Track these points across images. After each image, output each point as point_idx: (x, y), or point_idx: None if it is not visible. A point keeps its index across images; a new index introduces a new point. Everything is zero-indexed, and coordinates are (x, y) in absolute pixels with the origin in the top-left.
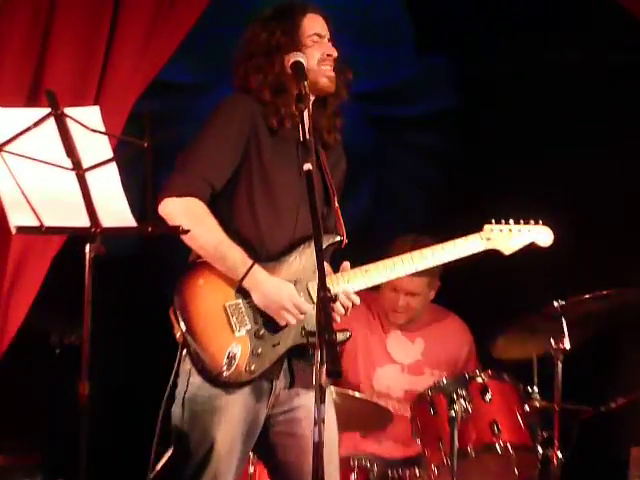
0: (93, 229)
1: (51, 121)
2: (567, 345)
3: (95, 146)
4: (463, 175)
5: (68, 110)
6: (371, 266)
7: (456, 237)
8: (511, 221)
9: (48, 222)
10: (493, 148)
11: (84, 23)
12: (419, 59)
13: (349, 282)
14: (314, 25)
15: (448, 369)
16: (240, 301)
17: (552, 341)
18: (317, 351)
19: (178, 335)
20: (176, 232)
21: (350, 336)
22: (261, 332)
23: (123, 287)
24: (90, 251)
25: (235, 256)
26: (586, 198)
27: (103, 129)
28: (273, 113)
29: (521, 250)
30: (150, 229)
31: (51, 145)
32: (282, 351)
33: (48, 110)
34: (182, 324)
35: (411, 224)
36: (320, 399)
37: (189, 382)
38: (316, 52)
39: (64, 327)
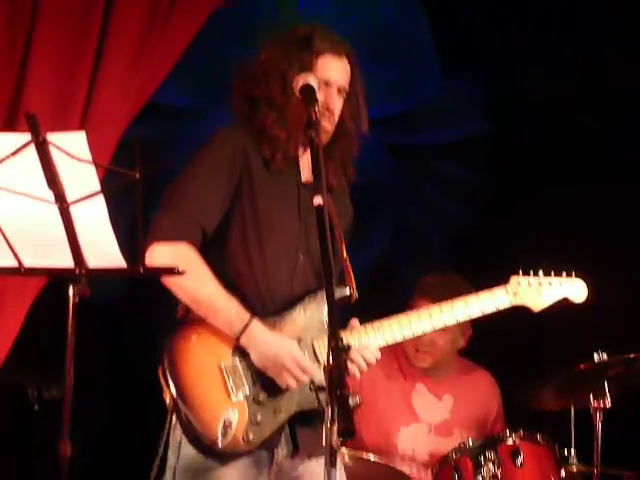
0: (77, 270)
1: (31, 148)
2: (608, 403)
3: (81, 177)
4: (489, 210)
5: (51, 136)
6: (384, 322)
7: (480, 282)
8: (540, 273)
9: (28, 262)
10: (522, 181)
11: (68, 41)
12: (443, 81)
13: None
14: (325, 70)
15: (478, 429)
16: (237, 361)
17: (592, 398)
18: (328, 408)
19: (168, 399)
20: (171, 274)
21: (360, 402)
22: (260, 397)
23: (109, 335)
24: (74, 294)
25: (231, 310)
26: (626, 244)
27: (90, 158)
28: (270, 147)
29: (552, 307)
30: (141, 270)
31: (31, 175)
32: (284, 418)
33: (28, 136)
34: (172, 387)
35: (432, 263)
36: (330, 462)
37: (180, 453)
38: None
39: (43, 379)
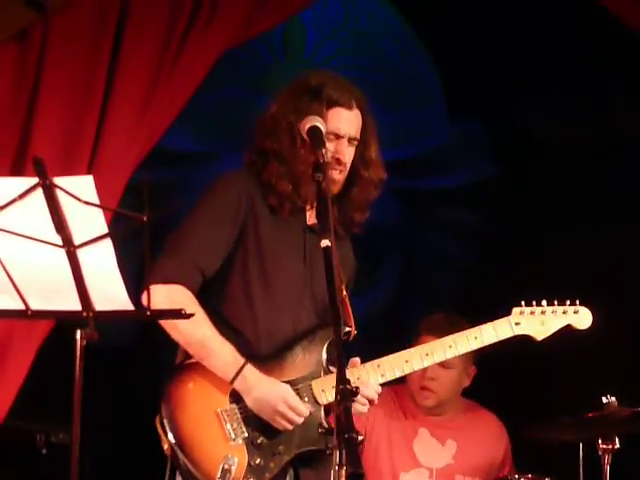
0: (85, 313)
1: (39, 192)
2: (617, 445)
3: (88, 220)
4: (496, 254)
5: (58, 180)
6: (383, 360)
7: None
8: (544, 302)
9: (35, 305)
10: (529, 225)
11: (75, 88)
12: (451, 125)
13: (359, 380)
14: (335, 122)
15: (482, 475)
16: (234, 405)
17: (600, 441)
18: (336, 452)
19: (166, 447)
20: (178, 317)
21: (363, 440)
22: (259, 440)
23: (117, 380)
24: (81, 338)
25: (225, 354)
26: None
27: (97, 201)
28: (277, 198)
29: (556, 334)
30: (149, 313)
31: (38, 219)
32: (285, 461)
33: (35, 180)
34: (170, 435)
35: (441, 308)
36: None
37: None
38: (327, 153)
39: (50, 424)
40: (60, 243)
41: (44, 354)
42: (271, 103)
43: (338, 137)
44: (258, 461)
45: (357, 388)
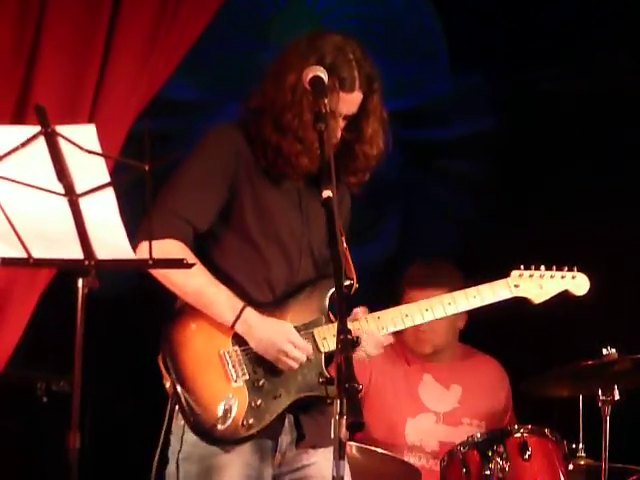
0: (87, 262)
1: (41, 140)
2: (617, 396)
3: (90, 169)
4: (497, 206)
5: (60, 128)
6: (383, 313)
7: (485, 279)
8: (542, 267)
9: (37, 253)
10: (534, 178)
11: (76, 35)
12: (453, 75)
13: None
14: (343, 105)
15: (487, 418)
16: (237, 348)
17: (600, 392)
18: (336, 401)
19: (168, 385)
20: (180, 266)
21: (362, 389)
22: (260, 382)
23: (118, 328)
24: (83, 286)
25: (222, 300)
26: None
27: (99, 150)
28: (267, 152)
29: (553, 299)
30: (151, 262)
31: (41, 167)
32: (285, 404)
33: (38, 128)
34: (173, 374)
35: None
36: (339, 455)
37: (183, 439)
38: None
39: (51, 372)
40: (62, 192)
41: (45, 303)
42: (276, 59)
43: (332, 115)
44: (259, 402)
45: (358, 338)
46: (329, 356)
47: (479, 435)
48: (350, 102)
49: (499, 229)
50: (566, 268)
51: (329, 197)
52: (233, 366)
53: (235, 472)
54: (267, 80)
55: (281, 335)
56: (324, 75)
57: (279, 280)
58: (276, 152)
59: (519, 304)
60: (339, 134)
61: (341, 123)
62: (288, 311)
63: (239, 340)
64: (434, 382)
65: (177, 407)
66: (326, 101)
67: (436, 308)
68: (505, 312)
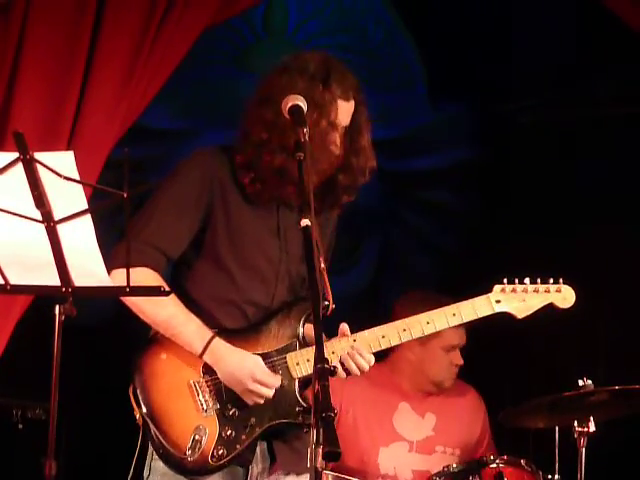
0: (64, 289)
1: (19, 167)
2: (592, 427)
3: (68, 196)
4: (476, 235)
5: (38, 155)
6: (359, 335)
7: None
8: (527, 280)
9: (14, 280)
10: (514, 209)
11: (56, 61)
12: (433, 106)
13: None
14: (342, 115)
15: (461, 446)
16: (208, 377)
17: (575, 424)
18: (313, 430)
19: (138, 417)
20: (157, 294)
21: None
22: (231, 411)
23: (93, 356)
24: (60, 313)
25: (191, 330)
26: (617, 271)
27: (77, 177)
28: (248, 176)
29: (537, 313)
30: (128, 290)
31: (19, 194)
32: (256, 433)
33: (16, 154)
34: (142, 406)
35: (417, 286)
36: None
37: (151, 466)
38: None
39: (27, 399)
40: (40, 218)
41: (22, 330)
42: (260, 85)
43: (334, 127)
44: (229, 432)
45: (335, 367)
46: (303, 381)
47: (455, 465)
48: (347, 111)
49: (478, 258)
50: (551, 280)
51: (307, 226)
52: (203, 396)
53: None
54: (257, 104)
55: (246, 371)
56: (303, 104)
57: (254, 306)
58: (275, 172)
59: (499, 330)
60: (339, 148)
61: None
62: (261, 337)
63: (210, 369)
64: (410, 410)
65: (147, 439)
66: (305, 130)
67: (414, 328)
68: (484, 342)
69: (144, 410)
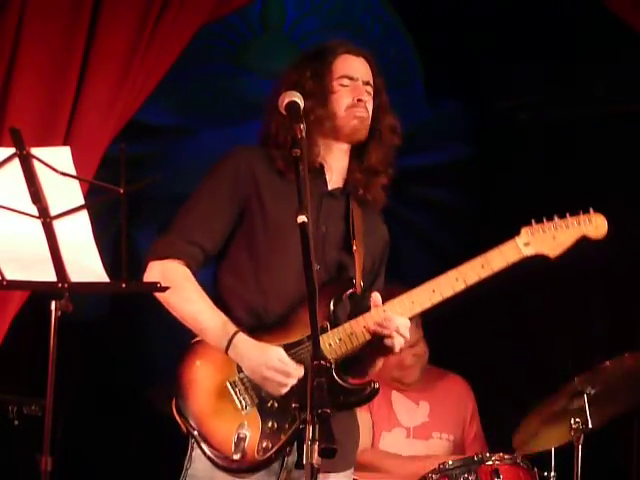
0: (60, 284)
1: (15, 162)
2: (589, 424)
3: (65, 191)
4: (476, 236)
5: (35, 151)
6: (409, 293)
7: (461, 303)
8: (555, 217)
9: (10, 275)
10: (511, 206)
11: (52, 58)
12: (430, 104)
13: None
14: (345, 67)
15: (456, 431)
16: (243, 375)
17: (572, 421)
18: (309, 427)
19: (184, 429)
20: (153, 290)
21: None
22: (269, 403)
23: (89, 351)
24: (56, 309)
25: (216, 326)
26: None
27: (74, 172)
28: (281, 157)
29: (571, 248)
30: (124, 286)
31: (15, 190)
32: (300, 420)
33: (12, 150)
34: (185, 416)
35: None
36: None
37: (192, 457)
38: (345, 98)
39: (23, 395)
40: (36, 214)
41: (18, 326)
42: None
43: (352, 79)
44: (271, 424)
45: (331, 364)
46: (341, 361)
47: (451, 462)
48: (359, 65)
49: (475, 256)
50: (581, 212)
51: (304, 222)
52: (241, 394)
53: None
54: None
55: (262, 362)
56: (300, 100)
57: (289, 297)
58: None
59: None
60: (370, 107)
61: (366, 94)
62: (291, 327)
63: None
64: (404, 398)
65: (193, 443)
66: (302, 126)
67: (443, 288)
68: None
69: (188, 422)
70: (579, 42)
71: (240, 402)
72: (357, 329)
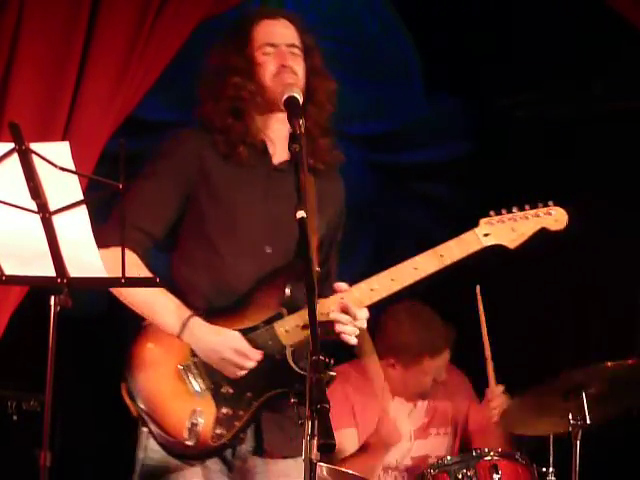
0: (59, 279)
1: (14, 158)
2: (587, 420)
3: (64, 186)
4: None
5: (34, 146)
6: (371, 280)
7: (460, 303)
8: (515, 209)
9: (9, 270)
10: (510, 204)
11: (51, 53)
12: (428, 100)
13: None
14: (265, 34)
15: (453, 423)
16: (196, 359)
17: (570, 416)
18: (308, 422)
19: (133, 411)
20: (152, 284)
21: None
22: (224, 389)
23: (88, 347)
24: (55, 304)
25: (169, 310)
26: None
27: (73, 168)
28: (223, 141)
29: (530, 240)
30: (123, 280)
31: (14, 185)
32: (254, 406)
33: (11, 145)
34: (135, 399)
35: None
36: (310, 476)
37: (146, 447)
38: (270, 66)
39: (22, 390)
40: (35, 209)
41: (17, 320)
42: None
43: (275, 46)
44: (225, 411)
45: (330, 360)
46: (297, 348)
47: (449, 458)
48: (280, 28)
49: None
50: (540, 205)
51: (302, 218)
52: (194, 378)
53: (196, 478)
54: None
55: (223, 344)
56: (299, 96)
57: (243, 280)
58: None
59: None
60: (300, 69)
61: (294, 56)
62: (247, 311)
63: None
64: (403, 402)
65: (145, 429)
66: (301, 122)
67: (403, 276)
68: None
69: (138, 403)
70: (578, 40)
71: (194, 387)
72: (304, 321)
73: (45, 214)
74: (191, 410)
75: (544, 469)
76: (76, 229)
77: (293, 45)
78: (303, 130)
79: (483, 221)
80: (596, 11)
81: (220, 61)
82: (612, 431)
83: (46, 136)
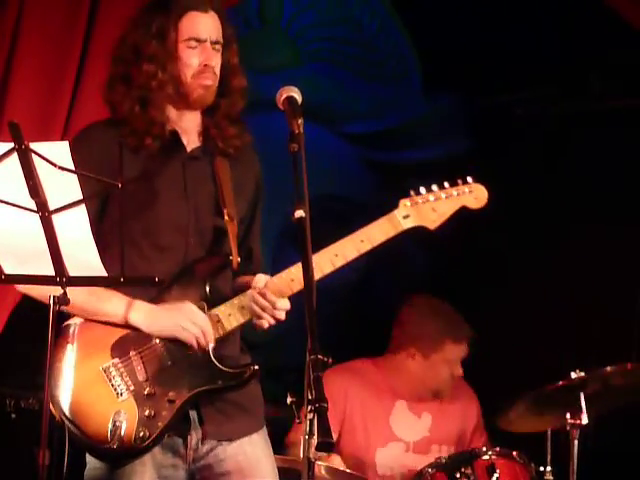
0: (59, 278)
1: (14, 157)
2: (584, 420)
3: (63, 186)
4: (472, 232)
5: (34, 145)
6: (291, 269)
7: (461, 298)
8: (434, 187)
9: (8, 270)
10: (508, 201)
11: (51, 51)
12: (427, 98)
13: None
14: (193, 27)
15: (456, 443)
16: (117, 360)
17: (568, 416)
18: (306, 421)
19: (57, 416)
20: (151, 283)
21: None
22: (147, 390)
23: None
24: (54, 303)
25: (111, 300)
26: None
27: (72, 167)
28: (130, 133)
29: (450, 219)
30: (122, 280)
31: (13, 184)
32: (177, 406)
33: (11, 144)
34: (56, 402)
35: (411, 285)
36: (308, 475)
37: (85, 460)
38: (192, 61)
39: (21, 388)
40: (35, 208)
41: (16, 320)
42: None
43: (199, 41)
44: (148, 412)
45: (329, 359)
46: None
47: (447, 457)
48: (208, 24)
49: (468, 253)
50: (460, 182)
51: (301, 217)
52: (116, 380)
53: (149, 476)
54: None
55: (179, 311)
56: (298, 95)
57: (163, 274)
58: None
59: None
60: (218, 66)
61: (215, 53)
62: (168, 304)
63: (118, 352)
64: (406, 410)
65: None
66: (300, 121)
67: (324, 264)
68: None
69: (60, 407)
70: (576, 37)
71: (115, 389)
72: (232, 309)
73: (44, 213)
74: (113, 412)
75: (542, 468)
76: (75, 228)
77: (217, 42)
78: (302, 130)
79: (402, 202)
80: (593, 8)
81: (137, 42)
82: (610, 430)
83: (46, 133)
